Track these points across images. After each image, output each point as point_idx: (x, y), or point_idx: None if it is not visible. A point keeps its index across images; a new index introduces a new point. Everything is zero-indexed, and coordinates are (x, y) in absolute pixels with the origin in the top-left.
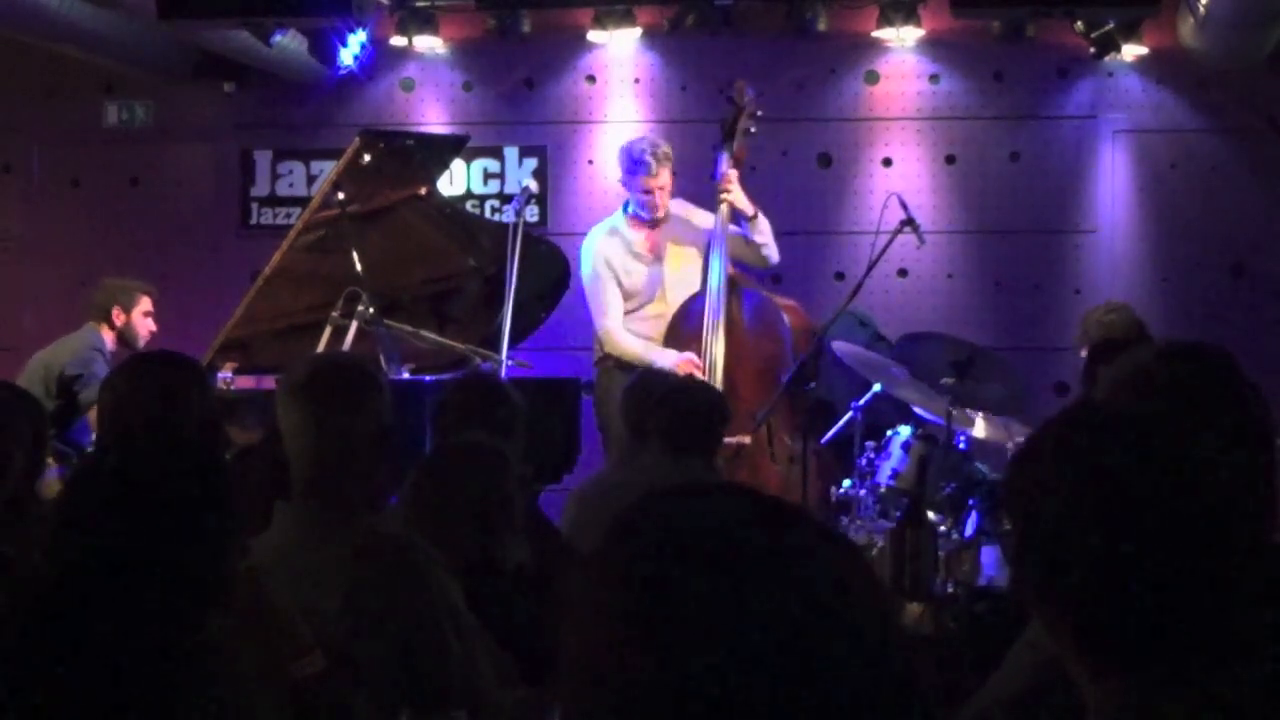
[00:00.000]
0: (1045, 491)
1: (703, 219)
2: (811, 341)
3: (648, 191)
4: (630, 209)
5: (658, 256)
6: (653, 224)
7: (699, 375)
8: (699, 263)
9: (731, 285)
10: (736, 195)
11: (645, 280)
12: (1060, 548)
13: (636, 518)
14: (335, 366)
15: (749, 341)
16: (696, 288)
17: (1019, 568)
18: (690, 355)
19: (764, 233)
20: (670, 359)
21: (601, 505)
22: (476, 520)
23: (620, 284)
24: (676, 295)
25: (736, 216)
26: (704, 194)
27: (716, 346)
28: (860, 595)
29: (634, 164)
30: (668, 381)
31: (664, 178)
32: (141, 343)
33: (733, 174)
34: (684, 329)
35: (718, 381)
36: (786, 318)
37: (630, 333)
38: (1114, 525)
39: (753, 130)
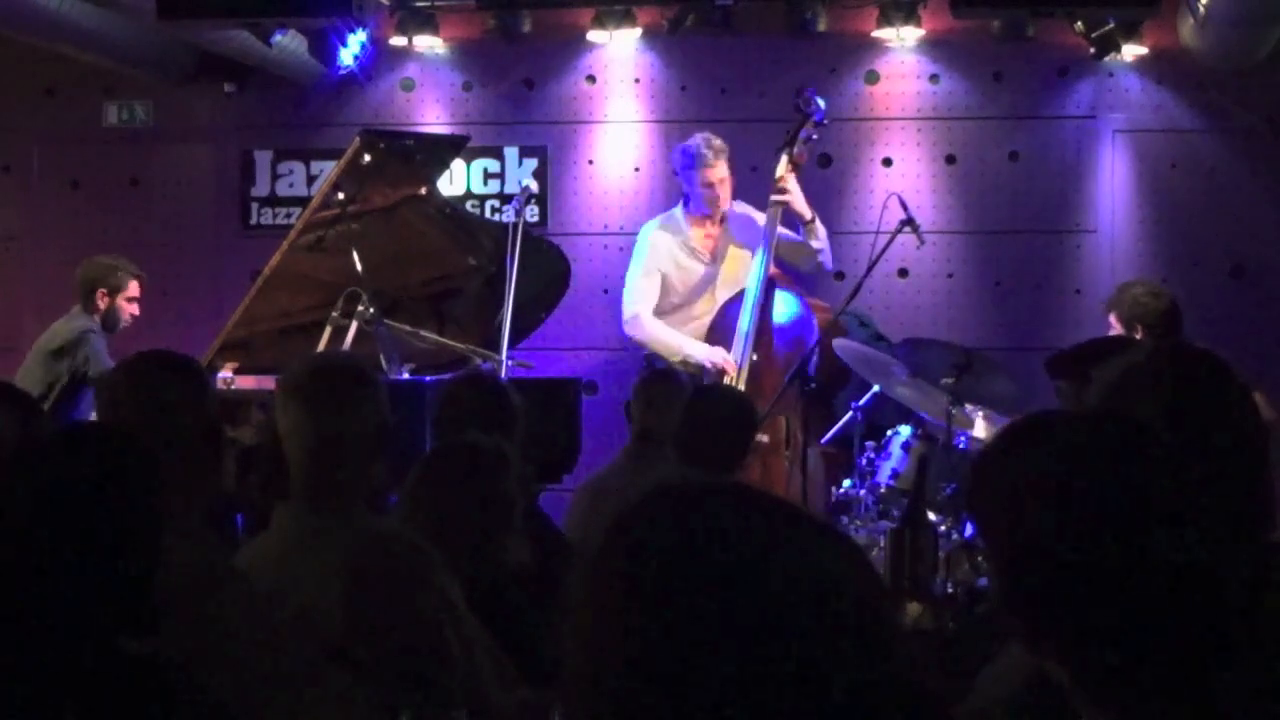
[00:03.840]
0: (1016, 511)
1: (762, 220)
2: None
3: (708, 185)
4: (690, 206)
5: (715, 257)
6: (714, 220)
7: (730, 375)
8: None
9: (769, 285)
10: (795, 197)
11: (698, 279)
12: (1037, 568)
13: (637, 518)
14: (333, 366)
15: (779, 342)
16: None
17: (999, 589)
18: (725, 354)
19: (820, 238)
20: (702, 352)
21: (612, 505)
22: (476, 520)
23: (669, 279)
24: (725, 296)
25: (792, 220)
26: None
27: (748, 347)
28: (860, 594)
29: (690, 158)
30: (689, 387)
31: (722, 170)
32: (121, 327)
33: (790, 177)
34: (722, 327)
35: (742, 380)
36: (817, 320)
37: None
38: (1094, 541)
39: (815, 137)
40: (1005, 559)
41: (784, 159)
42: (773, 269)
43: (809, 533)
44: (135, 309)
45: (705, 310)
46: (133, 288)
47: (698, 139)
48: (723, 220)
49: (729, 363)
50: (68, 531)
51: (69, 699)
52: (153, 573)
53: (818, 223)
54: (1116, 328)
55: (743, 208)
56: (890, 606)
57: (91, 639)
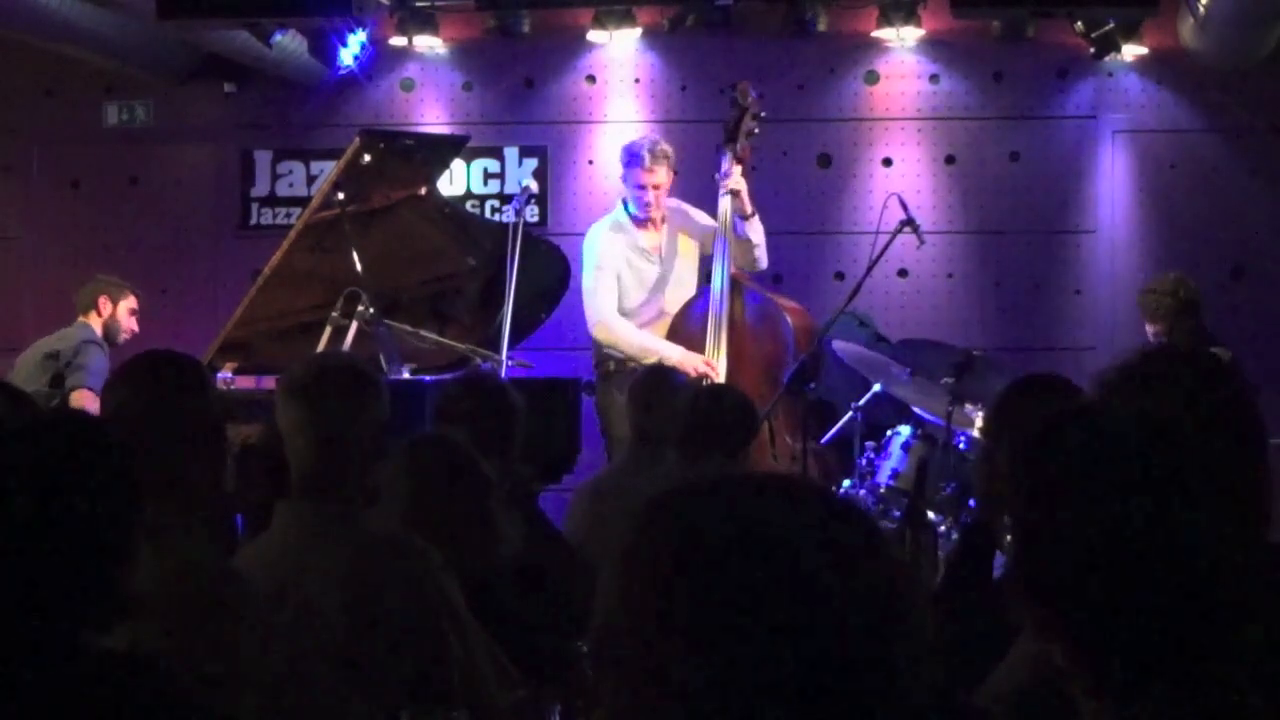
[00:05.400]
0: (1041, 502)
1: (703, 219)
2: (814, 342)
3: (641, 187)
4: (630, 207)
5: (662, 257)
6: (652, 222)
7: (713, 376)
8: (696, 263)
9: (734, 285)
10: (743, 194)
11: (649, 280)
12: (1058, 561)
13: (664, 509)
14: (334, 366)
15: (751, 342)
16: (694, 288)
17: (1018, 571)
18: (702, 358)
19: (757, 232)
20: (677, 355)
21: (612, 505)
22: (459, 504)
23: (622, 281)
24: (676, 296)
25: (734, 215)
26: (704, 193)
27: (719, 347)
28: (881, 573)
29: (630, 158)
30: (686, 388)
31: (659, 176)
32: (122, 339)
33: (736, 171)
34: (687, 329)
35: (721, 374)
36: (789, 319)
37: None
38: (1113, 536)
39: (756, 131)
40: (1029, 541)
41: (729, 156)
42: (734, 269)
43: (831, 517)
44: (135, 324)
45: (655, 314)
46: (132, 301)
47: (643, 140)
48: (664, 221)
49: (712, 366)
50: (28, 520)
51: (30, 692)
52: (122, 566)
53: (756, 219)
54: (1153, 328)
55: (680, 206)
56: (912, 578)
57: (54, 632)
